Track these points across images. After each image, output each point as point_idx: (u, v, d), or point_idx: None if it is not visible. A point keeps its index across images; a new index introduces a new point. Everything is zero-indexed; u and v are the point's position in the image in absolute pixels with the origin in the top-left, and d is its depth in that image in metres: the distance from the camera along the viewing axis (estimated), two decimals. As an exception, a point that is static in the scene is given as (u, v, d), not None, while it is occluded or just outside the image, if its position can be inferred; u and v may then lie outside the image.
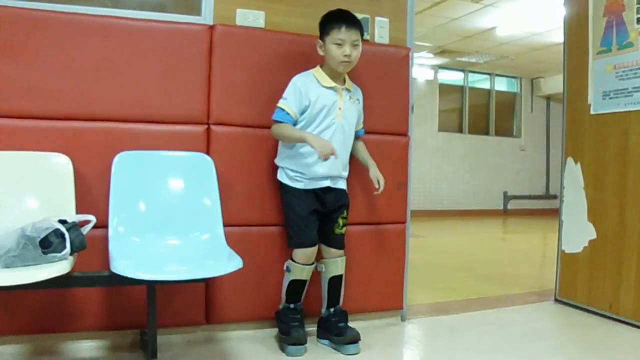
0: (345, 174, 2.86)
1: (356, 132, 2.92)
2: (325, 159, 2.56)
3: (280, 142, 2.80)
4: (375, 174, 2.86)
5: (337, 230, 2.84)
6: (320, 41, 2.73)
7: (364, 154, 2.96)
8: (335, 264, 2.85)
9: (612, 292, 3.41)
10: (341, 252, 2.88)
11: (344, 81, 2.81)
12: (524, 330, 3.22)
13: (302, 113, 2.71)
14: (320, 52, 2.74)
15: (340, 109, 2.74)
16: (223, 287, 2.83)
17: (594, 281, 3.56)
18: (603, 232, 3.51)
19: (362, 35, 2.73)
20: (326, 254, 2.86)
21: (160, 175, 2.64)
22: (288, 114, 2.69)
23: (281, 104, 2.71)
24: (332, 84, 2.74)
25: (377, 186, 2.84)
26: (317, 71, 2.77)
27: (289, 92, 2.72)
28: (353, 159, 2.93)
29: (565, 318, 3.55)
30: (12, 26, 2.50)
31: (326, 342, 2.84)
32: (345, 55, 2.66)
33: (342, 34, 2.65)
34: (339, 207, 2.83)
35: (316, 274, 2.87)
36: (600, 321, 3.41)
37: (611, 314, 3.41)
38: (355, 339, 2.73)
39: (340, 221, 2.84)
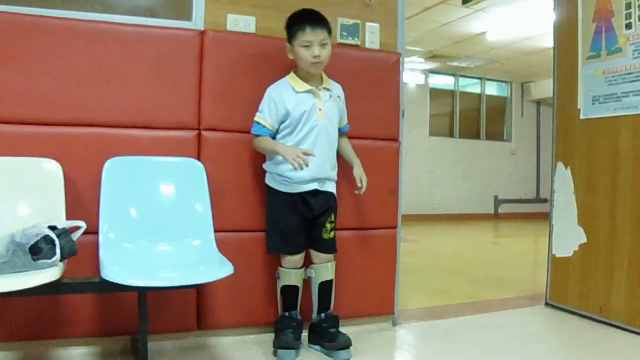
0: (334, 174, 2.83)
1: (341, 129, 2.91)
2: (301, 168, 2.55)
3: None
4: (359, 173, 2.87)
5: (325, 235, 2.81)
6: (288, 45, 2.72)
7: (348, 151, 2.95)
8: (326, 269, 2.83)
9: (603, 296, 3.43)
10: (330, 256, 2.86)
11: (322, 80, 2.79)
12: (516, 334, 3.22)
13: (282, 122, 2.71)
14: (290, 56, 2.73)
15: (320, 109, 2.72)
16: (215, 292, 2.83)
17: (584, 285, 3.57)
18: (593, 236, 3.52)
19: (329, 31, 2.70)
20: (315, 258, 2.84)
21: (151, 181, 2.63)
22: (264, 126, 2.69)
23: (257, 117, 2.71)
24: (307, 87, 2.72)
25: (359, 185, 2.84)
26: (291, 77, 2.76)
27: (264, 104, 2.72)
28: (340, 159, 2.92)
29: (556, 322, 3.56)
30: (2, 31, 2.49)
31: (318, 347, 2.83)
32: (314, 57, 2.64)
33: (308, 35, 2.63)
34: (326, 210, 2.79)
35: (307, 280, 2.86)
36: (591, 325, 3.43)
37: (602, 317, 3.42)
38: (346, 344, 2.72)
39: (328, 225, 2.81)
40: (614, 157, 3.38)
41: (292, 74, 2.77)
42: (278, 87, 2.74)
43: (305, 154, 2.56)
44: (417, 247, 7.06)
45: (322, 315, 2.85)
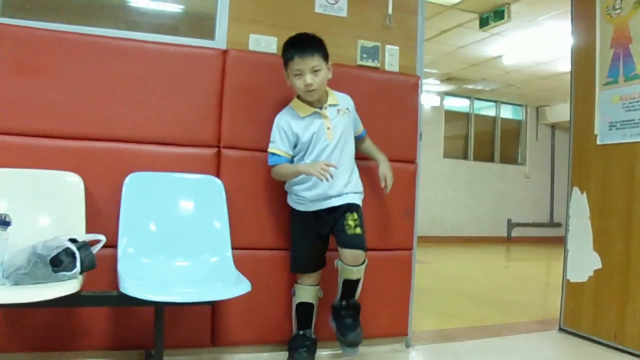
0: (349, 188, 2.75)
1: (358, 136, 2.91)
2: (327, 180, 2.53)
3: None
4: (384, 171, 2.88)
5: (350, 231, 2.67)
6: (285, 72, 2.71)
7: (372, 150, 2.96)
8: (351, 272, 2.71)
9: (617, 322, 3.40)
10: (357, 253, 2.68)
11: (326, 98, 2.76)
12: (528, 359, 3.20)
13: (296, 146, 2.72)
14: (288, 83, 2.71)
15: (329, 128, 2.72)
16: (230, 309, 2.84)
17: (599, 311, 3.55)
18: (608, 262, 3.50)
19: (323, 54, 2.65)
20: (342, 256, 2.70)
21: (171, 196, 2.66)
22: (280, 155, 2.69)
23: (271, 148, 2.71)
24: (312, 110, 2.70)
25: (382, 184, 2.84)
26: (295, 103, 2.75)
27: (274, 134, 2.72)
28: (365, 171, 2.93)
29: (569, 347, 3.53)
30: (29, 46, 2.55)
31: (334, 326, 2.81)
32: (306, 85, 2.61)
33: (297, 64, 2.60)
34: (343, 213, 2.70)
35: (331, 301, 2.85)
36: (605, 351, 3.40)
37: (616, 344, 3.39)
38: (355, 341, 2.74)
39: (351, 223, 2.68)
40: (630, 183, 3.37)
41: (295, 100, 2.77)
42: (284, 115, 2.74)
43: (328, 165, 2.55)
44: (428, 269, 7.03)
45: (344, 302, 2.78)
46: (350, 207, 2.72)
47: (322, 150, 2.70)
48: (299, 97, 2.75)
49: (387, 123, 3.13)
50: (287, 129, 2.69)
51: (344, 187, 2.74)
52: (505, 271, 7.96)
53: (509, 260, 9.57)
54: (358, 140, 2.92)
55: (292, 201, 2.81)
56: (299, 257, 2.81)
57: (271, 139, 2.72)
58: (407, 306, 3.28)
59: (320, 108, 2.73)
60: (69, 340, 2.62)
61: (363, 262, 2.73)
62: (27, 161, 2.50)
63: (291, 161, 2.73)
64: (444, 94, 11.62)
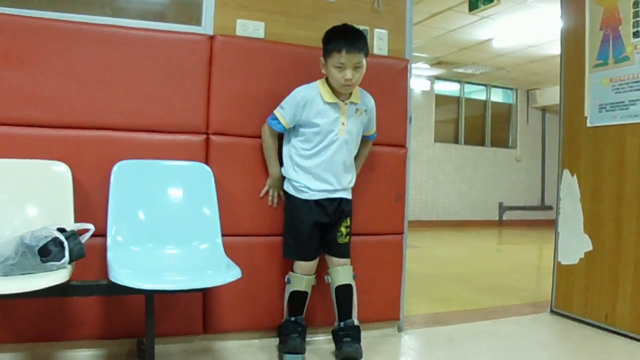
0: (351, 184, 2.85)
1: (367, 136, 2.93)
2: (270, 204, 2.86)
3: (284, 155, 2.82)
4: None
5: (341, 240, 2.81)
6: (322, 60, 2.70)
7: (359, 161, 2.97)
8: (337, 272, 2.80)
9: (608, 304, 3.42)
10: (344, 260, 2.83)
11: (351, 93, 2.77)
12: (521, 342, 3.22)
13: (298, 124, 2.74)
14: (323, 71, 2.72)
15: (343, 124, 2.73)
16: (221, 296, 2.83)
17: (590, 293, 3.57)
18: (599, 244, 3.52)
19: (366, 51, 2.67)
20: (330, 263, 2.84)
21: (160, 184, 2.64)
22: (280, 122, 2.72)
23: (277, 111, 2.74)
24: (335, 99, 2.71)
25: None
26: (322, 84, 2.74)
27: (287, 102, 2.73)
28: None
29: (561, 329, 3.56)
30: (14, 34, 2.50)
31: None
32: (346, 79, 2.62)
33: (343, 58, 2.60)
34: (341, 215, 2.81)
35: (328, 286, 2.86)
36: (596, 333, 3.42)
37: (607, 325, 3.42)
38: (349, 356, 2.68)
39: (344, 230, 2.81)
40: (620, 165, 3.38)
41: (323, 81, 2.75)
42: (307, 90, 2.73)
43: (273, 199, 2.88)
44: (420, 253, 7.05)
45: (342, 324, 2.79)
46: (346, 211, 2.82)
47: (330, 142, 2.71)
48: (327, 80, 2.74)
49: (377, 107, 3.10)
50: (302, 105, 2.70)
51: (347, 183, 2.83)
52: (497, 255, 8.00)
53: (501, 244, 9.62)
54: (362, 139, 2.91)
55: (292, 188, 2.80)
56: (299, 246, 2.79)
57: (282, 103, 2.74)
58: (399, 290, 3.29)
59: (343, 101, 2.73)
60: (60, 330, 2.61)
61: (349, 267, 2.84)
62: (13, 151, 2.47)
63: (286, 132, 2.78)
64: (434, 78, 11.62)
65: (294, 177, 2.77)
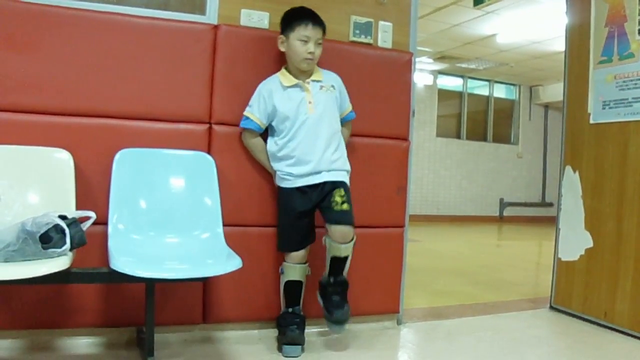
0: (337, 164, 2.76)
1: (343, 118, 2.90)
2: None
3: (267, 145, 2.81)
4: None
5: (337, 207, 2.68)
6: (282, 36, 2.74)
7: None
8: (338, 249, 2.71)
9: (607, 301, 3.42)
10: (345, 229, 2.68)
11: (311, 73, 2.78)
12: (519, 337, 3.23)
13: (271, 120, 2.75)
14: (282, 48, 2.75)
15: (310, 102, 2.73)
16: (221, 286, 2.83)
17: (589, 289, 3.57)
18: (600, 241, 3.52)
19: (324, 34, 2.74)
20: (330, 232, 2.71)
21: (161, 173, 2.65)
22: (253, 121, 2.74)
23: (247, 111, 2.77)
24: (295, 81, 2.73)
25: None
26: (282, 73, 2.78)
27: (254, 99, 2.76)
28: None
29: (560, 325, 3.56)
30: (17, 20, 2.50)
31: (321, 302, 2.82)
32: (309, 53, 2.67)
33: (309, 30, 2.67)
34: (330, 190, 2.71)
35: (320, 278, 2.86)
36: (595, 329, 3.42)
37: (606, 322, 3.42)
38: (339, 321, 2.73)
39: (338, 199, 2.69)
40: (622, 163, 3.37)
41: (282, 70, 2.79)
42: (268, 83, 2.77)
43: None
44: (420, 247, 7.05)
45: (331, 279, 2.78)
46: (336, 184, 2.74)
47: (302, 123, 2.71)
48: (286, 68, 2.78)
49: (380, 99, 3.11)
50: (267, 97, 2.73)
51: (331, 163, 2.75)
52: (497, 250, 8.00)
53: (501, 240, 9.62)
54: (342, 122, 2.89)
55: (278, 178, 2.81)
56: (285, 236, 2.81)
57: (250, 102, 2.77)
58: (399, 283, 3.29)
59: (304, 81, 2.75)
60: (60, 317, 2.61)
61: (352, 240, 2.73)
62: (15, 137, 2.47)
63: (263, 131, 2.79)
64: (437, 73, 11.59)
65: (277, 167, 2.78)
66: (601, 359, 2.92)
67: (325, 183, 2.73)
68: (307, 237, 2.82)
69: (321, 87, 2.79)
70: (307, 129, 2.71)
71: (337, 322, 2.74)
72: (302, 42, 2.67)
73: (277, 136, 2.77)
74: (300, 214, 2.76)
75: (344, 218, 2.70)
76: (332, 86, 2.83)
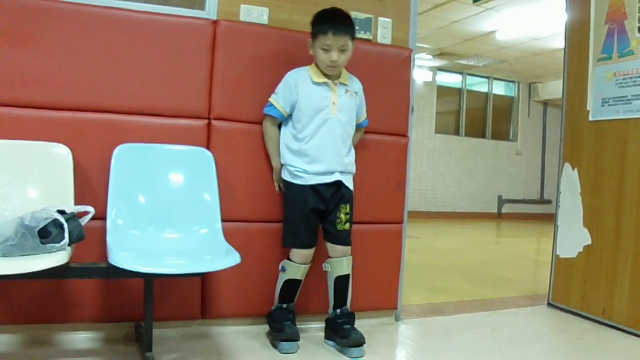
0: (349, 168, 2.84)
1: (359, 124, 2.93)
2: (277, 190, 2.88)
3: (281, 144, 2.82)
4: None
5: (340, 227, 2.79)
6: (310, 41, 2.74)
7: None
8: (341, 264, 2.80)
9: (606, 298, 3.43)
10: (346, 249, 2.82)
11: (340, 75, 2.79)
12: (518, 334, 3.23)
13: (293, 108, 2.75)
14: (310, 52, 2.76)
15: (334, 103, 2.74)
16: (220, 282, 2.83)
17: (588, 287, 3.57)
18: (598, 238, 3.52)
19: (353, 35, 2.71)
20: (331, 252, 2.82)
21: (161, 168, 2.64)
22: (277, 108, 2.75)
23: (272, 98, 2.77)
24: (324, 79, 2.74)
25: None
26: (312, 67, 2.78)
27: (280, 87, 2.77)
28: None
29: (558, 322, 3.56)
30: (16, 14, 2.49)
31: (332, 343, 2.82)
32: (331, 61, 2.66)
33: (329, 40, 2.65)
34: (340, 201, 2.78)
35: (323, 274, 2.86)
36: (593, 326, 3.43)
37: (604, 319, 3.42)
38: (359, 342, 2.70)
39: (343, 217, 2.79)
40: (622, 160, 3.37)
41: (313, 65, 2.79)
42: (296, 73, 2.78)
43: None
44: (419, 244, 7.06)
45: (338, 311, 2.82)
46: (345, 197, 2.80)
47: (323, 122, 2.72)
48: (316, 64, 2.77)
49: (379, 96, 3.11)
50: (293, 87, 2.73)
51: (345, 165, 2.80)
52: (496, 247, 8.01)
53: (500, 237, 9.63)
54: (356, 128, 2.92)
55: (288, 174, 2.80)
56: (294, 232, 2.79)
57: (276, 90, 2.78)
58: (398, 280, 3.29)
59: (332, 82, 2.76)
60: (58, 313, 2.61)
61: (350, 255, 2.84)
62: (14, 132, 2.47)
63: (284, 119, 2.79)
64: (436, 70, 11.59)
65: (290, 162, 2.77)
66: (599, 356, 2.93)
67: (339, 184, 2.77)
68: (316, 236, 2.82)
69: (346, 91, 2.80)
70: (328, 129, 2.73)
71: (355, 345, 2.70)
72: (324, 51, 2.67)
73: (295, 129, 2.76)
74: (312, 211, 2.76)
75: (347, 240, 2.83)
76: (356, 93, 2.85)
